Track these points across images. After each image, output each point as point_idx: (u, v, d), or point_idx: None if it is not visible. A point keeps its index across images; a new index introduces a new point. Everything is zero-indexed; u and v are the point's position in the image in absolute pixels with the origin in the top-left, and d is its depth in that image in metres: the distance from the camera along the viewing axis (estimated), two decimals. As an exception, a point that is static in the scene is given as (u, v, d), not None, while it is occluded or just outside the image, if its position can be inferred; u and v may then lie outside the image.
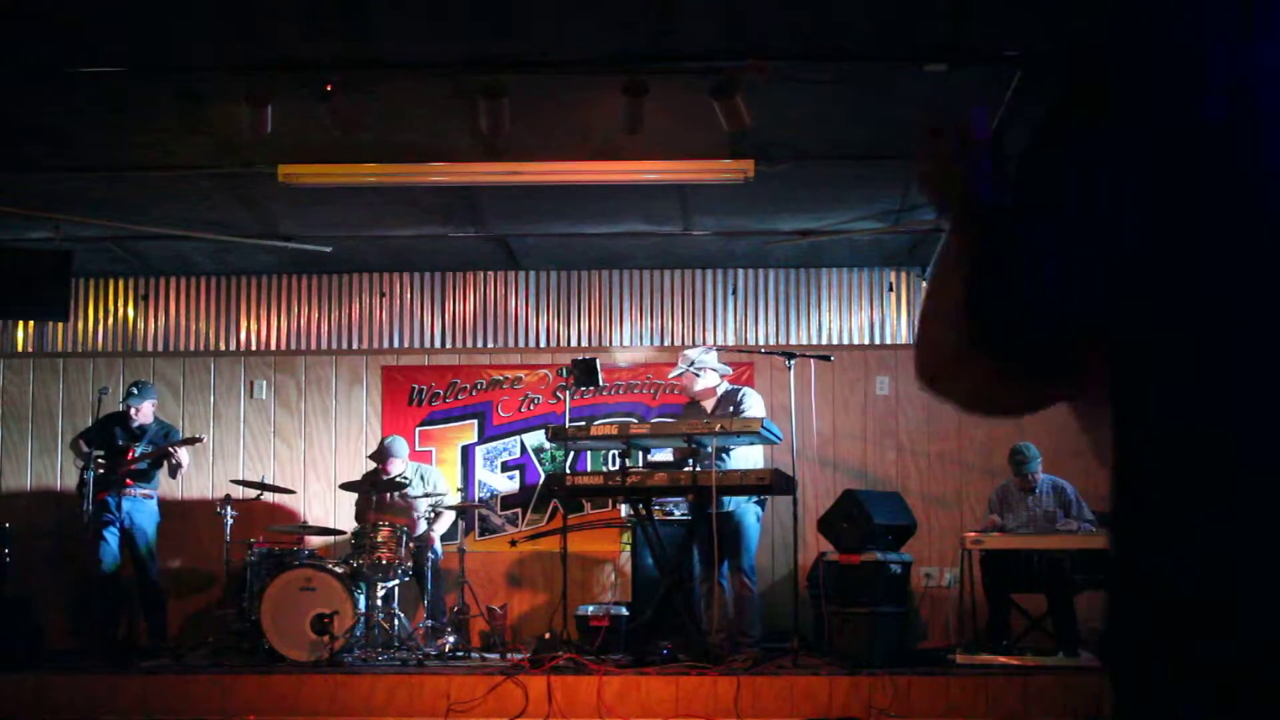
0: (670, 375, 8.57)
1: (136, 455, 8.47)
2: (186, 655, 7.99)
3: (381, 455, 8.71)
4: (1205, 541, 1.12)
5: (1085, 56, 1.26)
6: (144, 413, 8.63)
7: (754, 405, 7.91)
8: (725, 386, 8.17)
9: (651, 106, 6.08)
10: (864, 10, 5.57)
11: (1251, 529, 1.10)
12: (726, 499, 7.75)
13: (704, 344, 9.25)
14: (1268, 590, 1.09)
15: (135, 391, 8.61)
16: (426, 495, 8.68)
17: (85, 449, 8.47)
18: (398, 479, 8.61)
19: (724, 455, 7.79)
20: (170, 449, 8.49)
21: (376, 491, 8.54)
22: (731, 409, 7.81)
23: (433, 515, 8.65)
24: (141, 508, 8.49)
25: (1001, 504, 8.10)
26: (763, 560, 8.33)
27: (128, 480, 8.41)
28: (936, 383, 1.35)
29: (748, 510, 7.92)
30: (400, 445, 8.86)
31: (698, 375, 8.14)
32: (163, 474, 8.83)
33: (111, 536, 8.39)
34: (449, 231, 8.83)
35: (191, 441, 8.61)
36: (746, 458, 7.91)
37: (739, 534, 7.90)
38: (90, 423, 8.78)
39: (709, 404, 8.12)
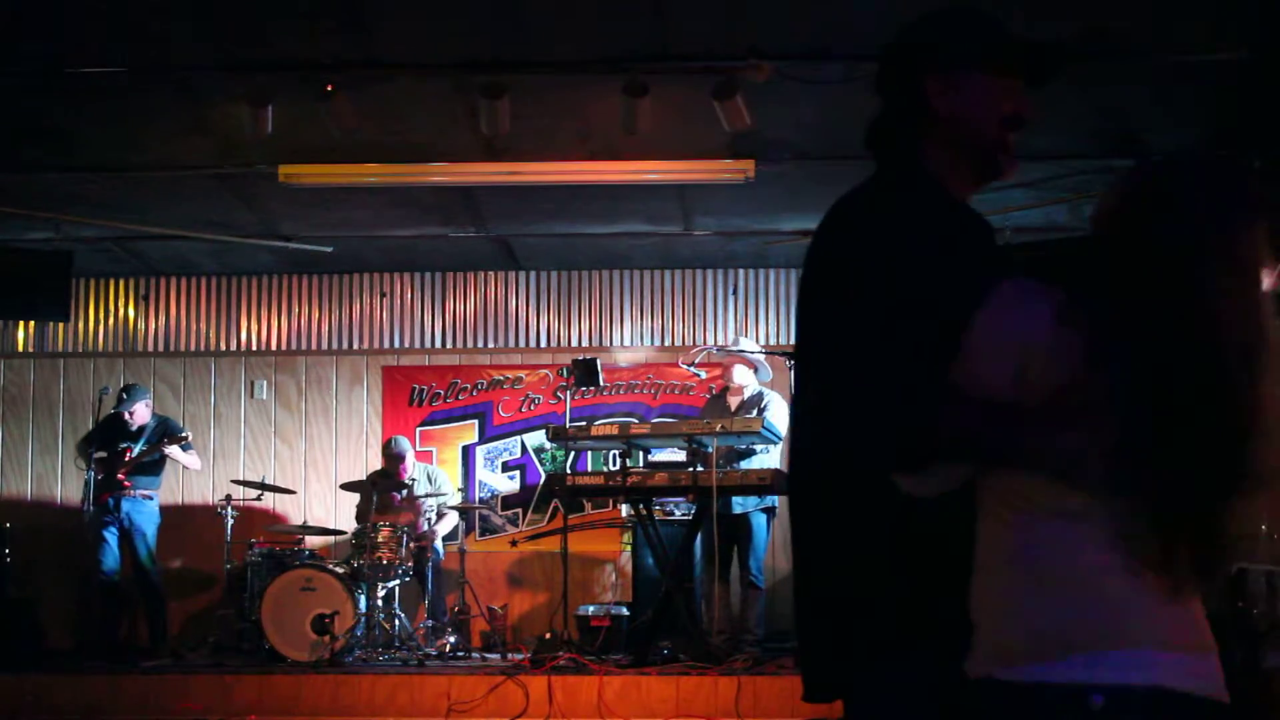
0: (697, 360, 8.33)
1: (134, 455, 8.47)
2: (187, 655, 8.00)
3: (397, 460, 8.71)
4: None
5: None
6: (139, 414, 8.61)
7: (776, 411, 7.84)
8: (754, 388, 8.13)
9: (652, 107, 6.08)
10: (864, 10, 5.56)
11: None
12: (738, 503, 7.76)
13: (708, 343, 9.23)
14: None
15: (125, 396, 8.53)
16: (431, 495, 8.69)
17: (89, 449, 8.46)
18: (409, 479, 8.65)
19: (741, 462, 7.77)
20: (163, 451, 8.51)
21: (379, 492, 8.54)
22: (755, 412, 7.74)
23: (436, 516, 8.67)
24: (141, 509, 8.49)
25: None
26: (765, 561, 8.33)
27: (126, 483, 8.41)
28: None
29: (757, 514, 7.94)
30: (408, 444, 8.89)
31: (734, 366, 8.08)
32: (165, 475, 8.84)
33: (111, 537, 8.40)
34: (449, 231, 8.83)
35: (178, 440, 8.56)
36: (765, 463, 7.80)
37: (749, 537, 7.92)
38: (92, 426, 8.79)
39: (734, 402, 8.09)
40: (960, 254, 2.00)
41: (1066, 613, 1.74)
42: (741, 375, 8.11)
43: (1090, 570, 1.74)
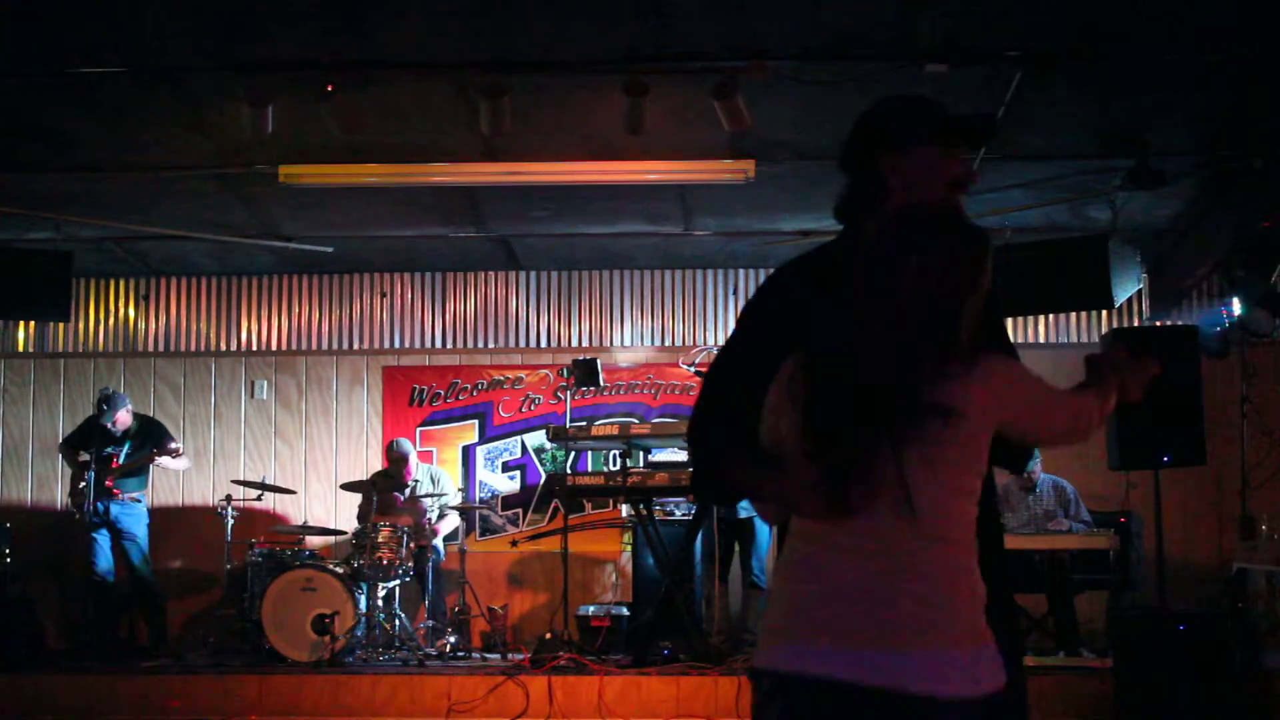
0: (697, 360, 8.41)
1: (121, 464, 8.47)
2: (187, 655, 8.00)
3: (400, 462, 8.71)
4: None
5: None
6: (121, 420, 8.60)
7: None
8: None
9: (652, 106, 6.07)
10: (864, 10, 5.56)
11: None
12: (742, 505, 7.77)
13: (708, 343, 9.24)
14: None
15: (106, 407, 8.50)
16: (432, 496, 8.69)
17: (82, 457, 8.43)
18: (412, 480, 8.66)
19: None
20: (153, 461, 8.52)
21: (380, 492, 8.54)
22: None
23: (437, 515, 8.67)
24: (130, 511, 8.51)
25: (1002, 503, 8.09)
26: (767, 562, 8.33)
27: (115, 490, 8.42)
28: None
29: None
30: (411, 446, 8.90)
31: None
32: (152, 477, 8.85)
33: (102, 539, 8.43)
34: (449, 231, 8.82)
35: (171, 453, 8.58)
36: None
37: (752, 537, 7.94)
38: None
39: None
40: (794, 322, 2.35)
41: (774, 616, 2.18)
42: None
43: (798, 581, 2.16)
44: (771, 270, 2.62)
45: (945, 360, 2.12)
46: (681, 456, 8.03)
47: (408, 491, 8.64)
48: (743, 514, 7.85)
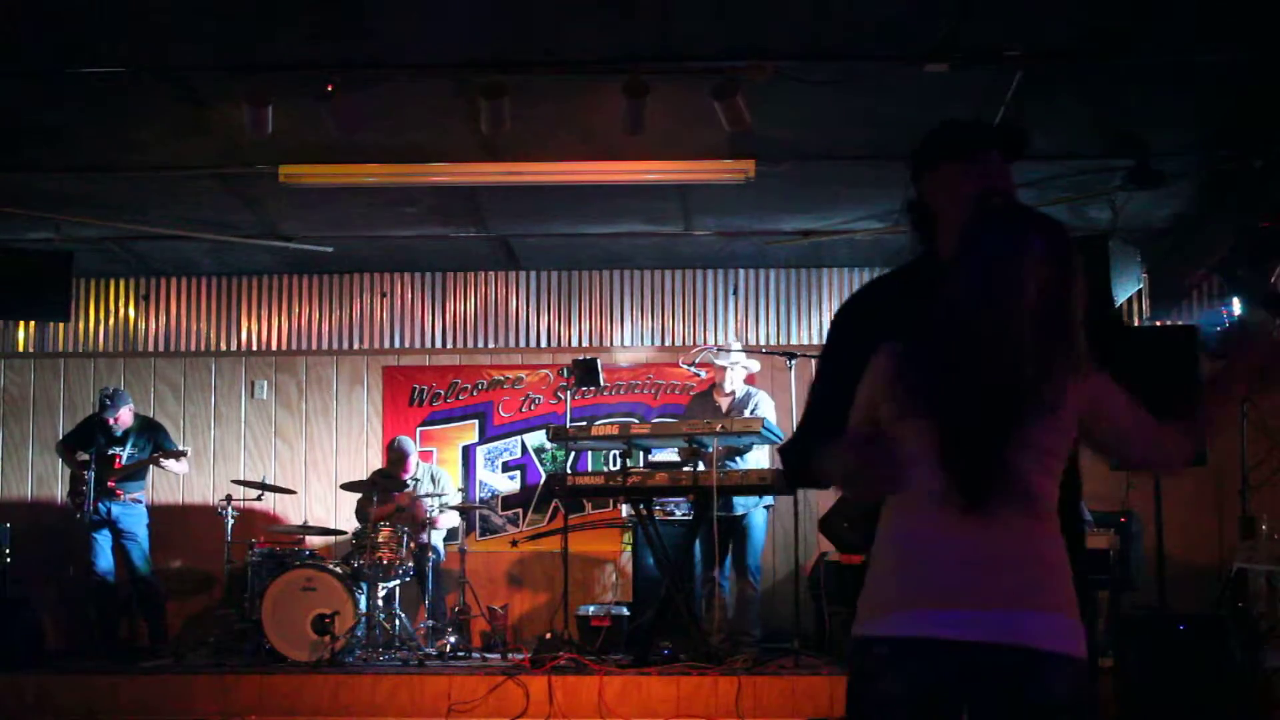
0: (697, 360, 8.45)
1: (124, 464, 8.47)
2: (187, 655, 8.00)
3: (400, 460, 8.71)
4: None
5: None
6: (123, 419, 8.60)
7: (766, 409, 7.92)
8: (743, 389, 8.19)
9: (652, 107, 6.07)
10: (864, 10, 5.56)
11: None
12: (737, 502, 7.77)
13: (708, 343, 9.24)
14: None
15: (109, 403, 8.49)
16: (433, 495, 8.69)
17: (80, 456, 8.43)
18: (410, 479, 8.67)
19: (736, 458, 7.81)
20: (157, 462, 8.53)
21: (380, 492, 8.54)
22: (748, 412, 7.83)
23: (436, 515, 8.67)
24: (131, 511, 8.51)
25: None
26: (764, 560, 8.33)
27: (118, 491, 8.42)
28: None
29: (756, 512, 7.96)
30: (411, 444, 8.90)
31: (732, 368, 8.16)
32: (151, 477, 8.85)
33: (104, 539, 8.43)
34: (449, 231, 8.82)
35: (176, 455, 8.60)
36: (758, 460, 7.91)
37: (746, 536, 7.94)
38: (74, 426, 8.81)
39: (724, 402, 8.14)
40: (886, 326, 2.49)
41: (884, 586, 2.35)
42: (734, 381, 8.18)
43: (910, 553, 2.32)
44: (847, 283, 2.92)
45: (1063, 360, 2.29)
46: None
47: (407, 490, 8.64)
48: (738, 511, 7.84)
